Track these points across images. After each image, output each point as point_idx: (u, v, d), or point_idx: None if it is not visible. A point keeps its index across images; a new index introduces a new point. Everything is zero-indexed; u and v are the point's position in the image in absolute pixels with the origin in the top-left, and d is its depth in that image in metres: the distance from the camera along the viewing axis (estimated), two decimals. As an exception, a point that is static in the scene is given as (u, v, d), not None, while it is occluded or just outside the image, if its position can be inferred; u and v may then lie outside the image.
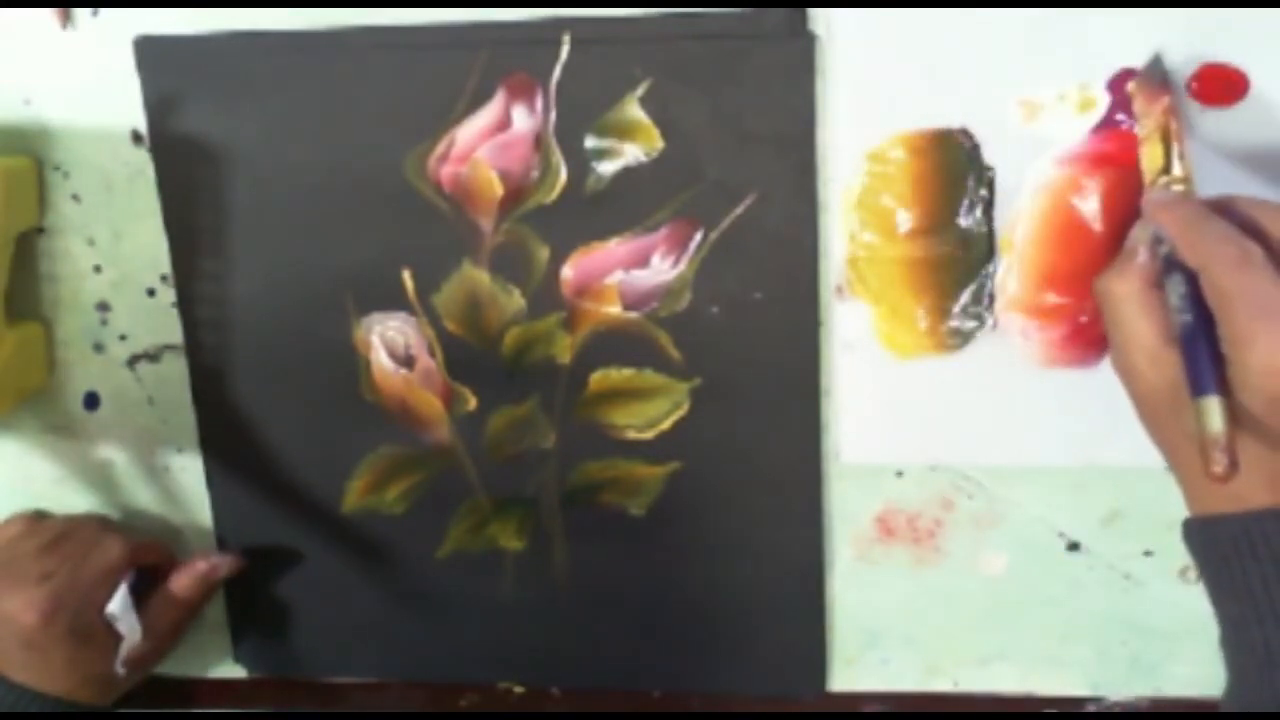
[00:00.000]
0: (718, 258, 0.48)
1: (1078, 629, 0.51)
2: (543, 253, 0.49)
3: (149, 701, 0.55)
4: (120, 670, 0.53)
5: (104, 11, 0.49)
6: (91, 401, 0.55)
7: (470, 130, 0.48)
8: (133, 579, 0.53)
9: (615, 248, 0.49)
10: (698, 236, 0.48)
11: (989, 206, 0.46)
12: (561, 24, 0.46)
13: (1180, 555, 0.50)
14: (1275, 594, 0.38)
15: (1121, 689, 0.53)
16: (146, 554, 0.55)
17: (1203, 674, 0.52)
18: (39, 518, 0.54)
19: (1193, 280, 0.38)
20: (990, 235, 0.47)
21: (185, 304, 0.52)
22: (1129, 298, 0.40)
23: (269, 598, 0.57)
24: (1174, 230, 0.39)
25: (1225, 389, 0.37)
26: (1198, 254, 0.38)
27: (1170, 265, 0.39)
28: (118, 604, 0.52)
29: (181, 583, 0.55)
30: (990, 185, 0.46)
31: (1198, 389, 0.37)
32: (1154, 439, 0.42)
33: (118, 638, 0.52)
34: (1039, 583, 0.50)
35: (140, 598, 0.53)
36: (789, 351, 0.49)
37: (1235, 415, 0.37)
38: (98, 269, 0.53)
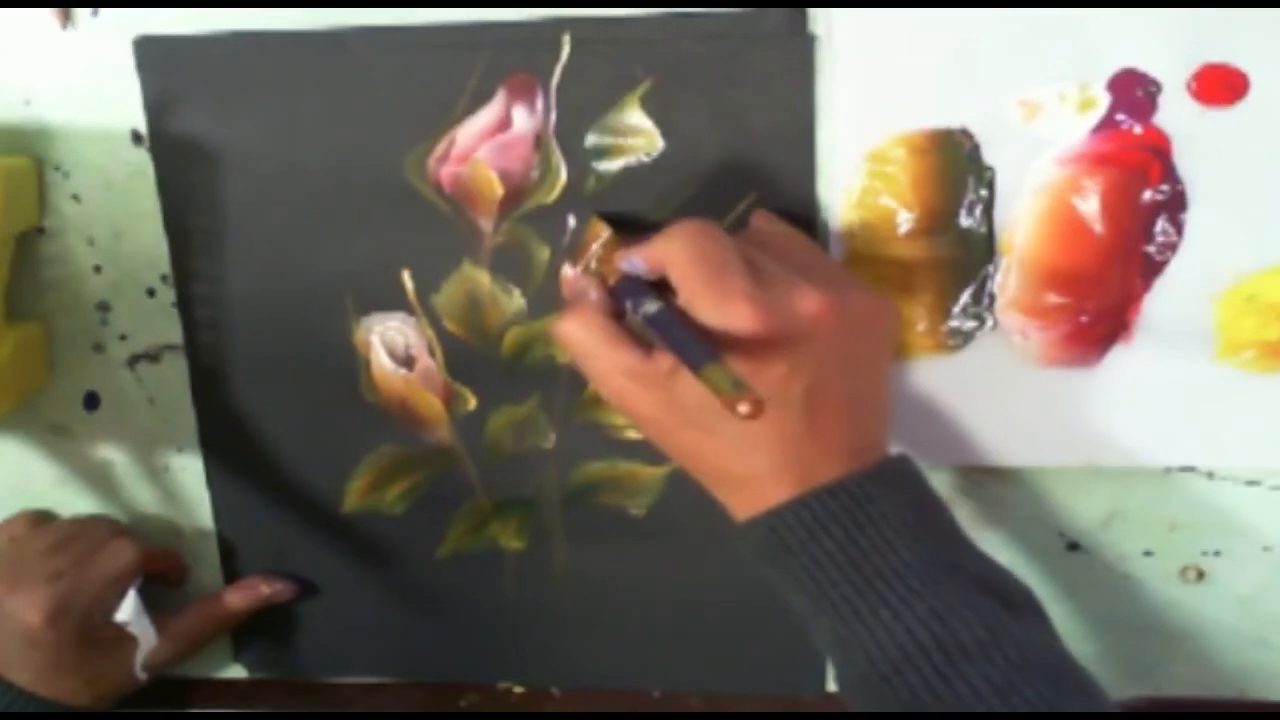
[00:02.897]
0: (718, 258, 0.48)
1: (1078, 629, 0.51)
2: (543, 253, 0.49)
3: (149, 701, 0.55)
4: (142, 675, 0.53)
5: (104, 11, 0.49)
6: (91, 401, 0.55)
7: (470, 130, 0.48)
8: (140, 584, 0.53)
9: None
10: (698, 236, 0.48)
11: (989, 206, 0.46)
12: (562, 24, 0.46)
13: (1180, 555, 0.51)
14: (821, 581, 0.39)
15: (1121, 689, 0.53)
16: (158, 560, 0.55)
17: (1203, 674, 0.52)
18: (44, 517, 0.54)
19: (658, 290, 0.41)
20: (990, 235, 0.47)
21: (185, 304, 0.52)
22: (596, 329, 0.42)
23: (269, 598, 0.57)
24: (652, 256, 0.42)
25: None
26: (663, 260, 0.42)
27: (634, 290, 0.42)
28: (129, 609, 0.52)
29: (235, 599, 0.55)
30: (990, 185, 0.46)
31: (697, 364, 0.37)
32: (674, 455, 0.43)
33: (131, 642, 0.52)
34: (1039, 583, 0.50)
35: (154, 601, 0.53)
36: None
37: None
38: (98, 269, 0.53)
